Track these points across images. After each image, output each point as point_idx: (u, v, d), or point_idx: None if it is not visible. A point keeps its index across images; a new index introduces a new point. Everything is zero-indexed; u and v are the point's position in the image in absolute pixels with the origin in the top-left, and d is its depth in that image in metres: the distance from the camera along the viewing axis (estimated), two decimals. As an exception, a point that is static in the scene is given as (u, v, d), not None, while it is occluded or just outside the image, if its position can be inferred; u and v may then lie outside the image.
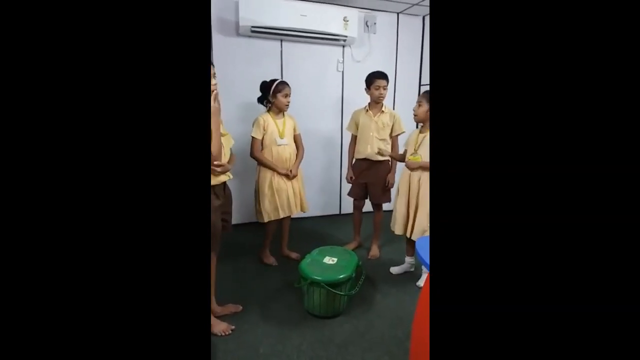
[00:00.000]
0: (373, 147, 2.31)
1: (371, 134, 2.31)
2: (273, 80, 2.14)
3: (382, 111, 2.30)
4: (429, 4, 2.89)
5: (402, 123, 2.35)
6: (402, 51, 3.27)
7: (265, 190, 2.18)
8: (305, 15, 2.65)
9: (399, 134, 2.35)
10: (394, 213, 2.13)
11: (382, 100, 2.28)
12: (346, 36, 2.81)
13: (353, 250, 2.54)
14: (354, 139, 2.43)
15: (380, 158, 2.32)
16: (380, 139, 2.31)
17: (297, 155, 2.28)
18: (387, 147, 2.34)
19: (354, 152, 2.43)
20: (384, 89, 2.24)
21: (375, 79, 2.24)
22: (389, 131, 2.33)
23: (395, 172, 2.38)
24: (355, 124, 2.39)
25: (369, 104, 2.34)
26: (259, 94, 2.20)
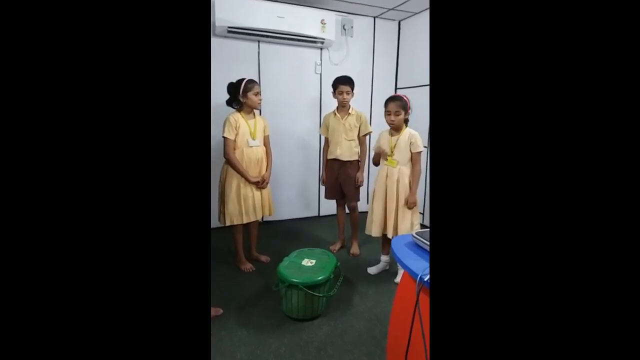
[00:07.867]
0: (342, 148, 2.40)
1: (340, 135, 2.38)
2: (240, 80, 2.11)
3: (349, 113, 2.38)
4: (404, 9, 2.96)
5: (368, 123, 2.44)
6: (379, 54, 3.32)
7: (232, 194, 2.14)
8: (283, 17, 2.64)
9: (366, 134, 2.44)
10: (369, 216, 2.16)
11: (346, 103, 2.37)
12: (324, 39, 2.83)
13: (338, 250, 2.59)
14: (327, 141, 2.50)
15: (350, 158, 2.40)
16: (349, 140, 2.39)
17: (267, 160, 2.26)
18: (357, 148, 2.43)
19: (327, 154, 2.50)
20: (347, 94, 2.33)
21: (339, 85, 2.33)
22: (357, 132, 2.41)
23: (364, 170, 2.45)
24: (327, 127, 2.47)
25: (337, 107, 2.43)
26: None
